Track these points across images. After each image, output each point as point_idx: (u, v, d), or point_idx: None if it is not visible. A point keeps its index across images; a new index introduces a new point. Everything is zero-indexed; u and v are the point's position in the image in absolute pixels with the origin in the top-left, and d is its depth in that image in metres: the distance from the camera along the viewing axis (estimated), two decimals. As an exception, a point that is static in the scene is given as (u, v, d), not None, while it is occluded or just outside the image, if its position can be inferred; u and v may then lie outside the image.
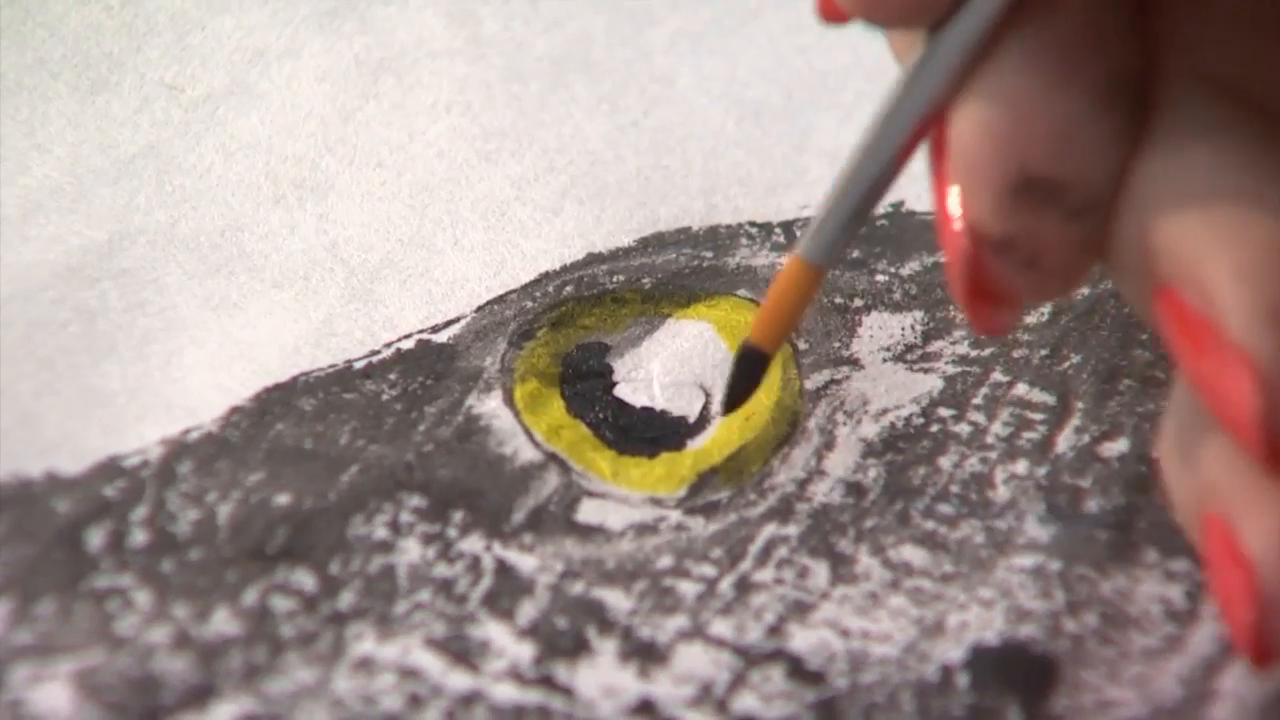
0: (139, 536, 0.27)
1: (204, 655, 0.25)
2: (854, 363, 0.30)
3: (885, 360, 0.30)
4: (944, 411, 0.29)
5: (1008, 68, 0.21)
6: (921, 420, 0.29)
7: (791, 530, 0.27)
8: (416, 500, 0.27)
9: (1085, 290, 0.31)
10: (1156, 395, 0.29)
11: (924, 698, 0.24)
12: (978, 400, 0.29)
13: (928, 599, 0.26)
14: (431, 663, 0.25)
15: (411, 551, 0.26)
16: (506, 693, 0.24)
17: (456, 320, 0.31)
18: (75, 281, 0.31)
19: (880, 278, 0.31)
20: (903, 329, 0.30)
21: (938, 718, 0.24)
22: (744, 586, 0.26)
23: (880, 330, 0.30)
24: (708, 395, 0.29)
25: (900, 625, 0.25)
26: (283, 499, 0.27)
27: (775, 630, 0.25)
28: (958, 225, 0.22)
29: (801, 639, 0.25)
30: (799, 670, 0.25)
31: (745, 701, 0.24)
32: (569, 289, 0.31)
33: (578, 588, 0.26)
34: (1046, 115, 0.21)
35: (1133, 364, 0.30)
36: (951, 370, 0.30)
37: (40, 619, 0.25)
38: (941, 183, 0.23)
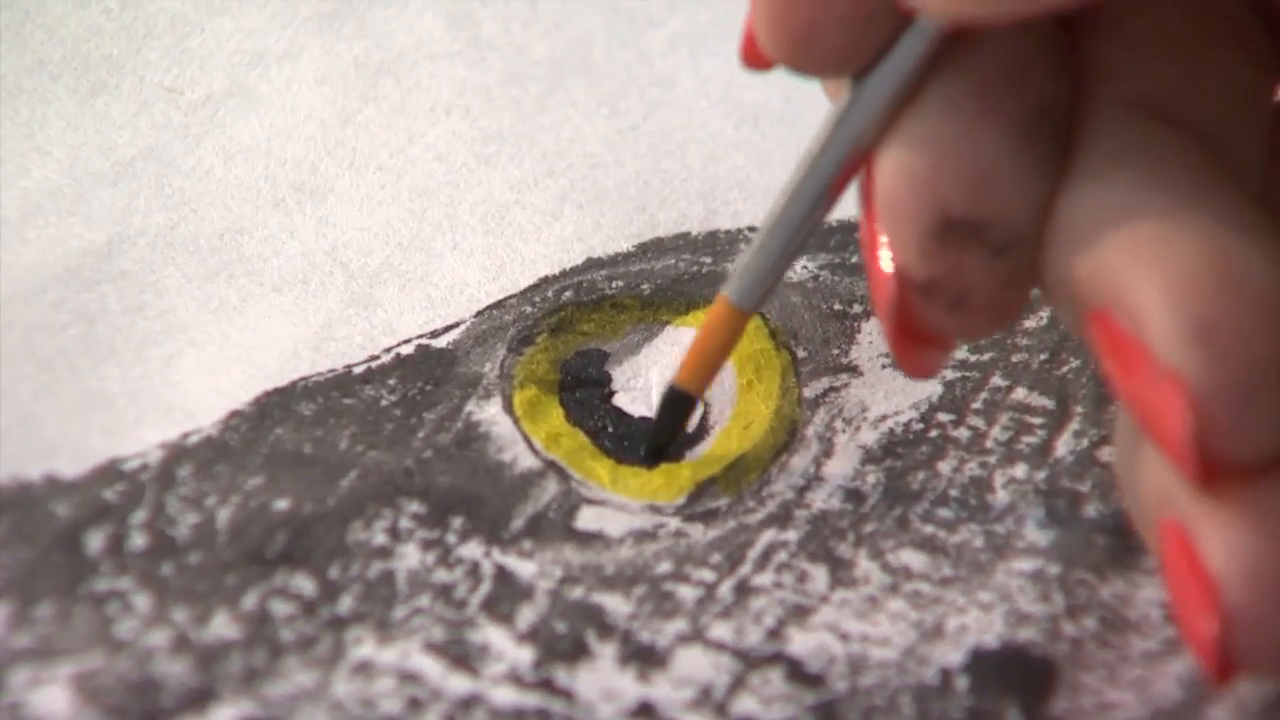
0: (138, 540, 0.27)
1: (203, 659, 0.25)
2: (853, 369, 0.30)
3: (884, 366, 0.30)
4: (943, 416, 0.29)
5: (929, 110, 0.21)
6: (921, 425, 0.29)
7: (790, 535, 0.27)
8: (416, 506, 0.27)
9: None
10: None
11: (923, 701, 0.24)
12: (977, 405, 0.29)
13: (927, 602, 0.26)
14: (431, 666, 0.25)
15: (411, 557, 0.26)
16: (506, 696, 0.24)
17: (456, 325, 0.31)
18: (74, 284, 0.31)
19: (879, 282, 0.32)
20: (902, 333, 0.30)
21: (937, 722, 0.24)
22: (743, 590, 0.26)
23: (879, 336, 0.30)
24: (707, 405, 0.29)
25: (900, 629, 0.25)
26: (282, 503, 0.27)
27: (774, 634, 0.25)
28: (885, 269, 0.22)
29: (801, 642, 0.25)
30: (798, 673, 0.25)
31: (745, 704, 0.24)
32: (568, 294, 0.31)
33: (577, 592, 0.26)
34: (964, 156, 0.21)
35: (1131, 369, 0.30)
36: (950, 375, 0.30)
37: (39, 622, 0.25)
38: (868, 227, 0.23)
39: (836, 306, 0.31)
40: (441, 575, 0.26)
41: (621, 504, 0.28)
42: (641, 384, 0.30)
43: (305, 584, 0.26)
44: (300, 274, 0.32)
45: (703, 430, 0.29)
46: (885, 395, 0.29)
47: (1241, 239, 0.20)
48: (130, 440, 0.28)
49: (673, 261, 0.32)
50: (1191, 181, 0.21)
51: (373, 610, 0.26)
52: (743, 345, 0.30)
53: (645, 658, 0.25)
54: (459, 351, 0.30)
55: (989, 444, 0.28)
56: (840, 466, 0.28)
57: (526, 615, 0.26)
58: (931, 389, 0.30)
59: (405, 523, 0.27)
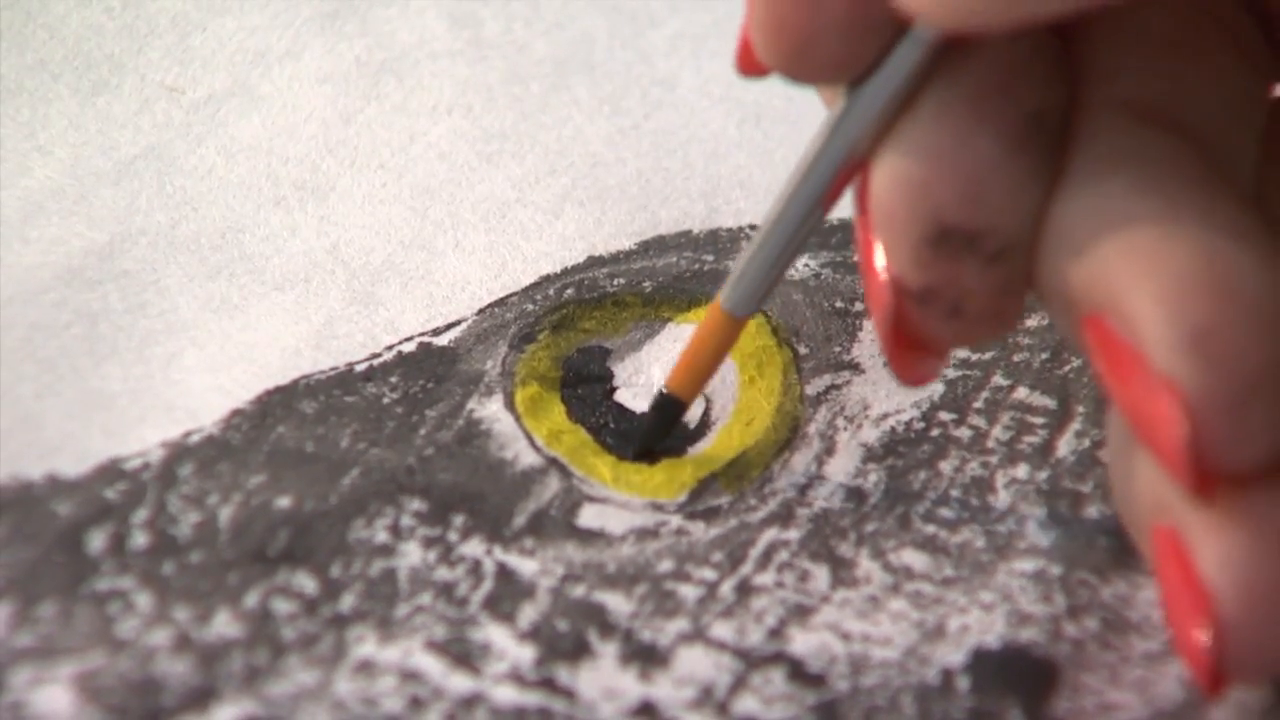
0: (140, 539, 0.27)
1: (205, 658, 0.25)
2: (855, 367, 0.30)
3: (886, 364, 0.30)
4: (945, 415, 0.29)
5: (923, 118, 0.21)
6: (922, 424, 0.29)
7: (792, 534, 0.27)
8: (417, 504, 0.27)
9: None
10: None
11: (925, 701, 0.24)
12: (979, 404, 0.29)
13: (928, 602, 0.26)
14: (432, 665, 0.25)
15: (412, 555, 0.26)
16: (507, 695, 0.25)
17: (458, 323, 0.31)
18: (76, 283, 0.31)
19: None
20: (903, 332, 0.30)
21: (938, 722, 0.24)
22: (745, 590, 0.26)
23: (881, 334, 0.30)
24: (709, 401, 0.29)
25: (901, 629, 0.25)
26: (284, 502, 0.27)
27: (776, 633, 0.25)
28: (880, 277, 0.22)
29: (802, 642, 0.25)
30: (800, 673, 0.25)
31: (746, 704, 0.24)
32: (570, 292, 0.31)
33: (579, 591, 0.26)
34: (957, 164, 0.21)
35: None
36: (952, 374, 0.30)
37: (41, 621, 0.25)
38: (864, 235, 0.23)
39: (838, 304, 0.31)
40: (443, 573, 0.26)
41: (623, 501, 0.28)
42: (643, 380, 0.30)
43: (307, 582, 0.26)
44: (302, 272, 0.32)
45: (704, 426, 0.29)
46: (887, 393, 0.29)
47: (1236, 245, 0.20)
48: (132, 439, 0.28)
49: (674, 259, 0.32)
50: (1186, 186, 0.21)
51: (374, 609, 0.26)
52: (744, 342, 0.30)
53: (647, 657, 0.25)
54: (461, 349, 0.30)
55: (990, 444, 0.28)
56: (842, 464, 0.28)
57: (528, 614, 0.26)
58: (933, 387, 0.29)
59: (407, 520, 0.27)
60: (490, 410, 0.29)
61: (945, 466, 0.28)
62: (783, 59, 0.22)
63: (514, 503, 0.27)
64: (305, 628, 0.25)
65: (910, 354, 0.23)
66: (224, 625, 0.25)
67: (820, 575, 0.26)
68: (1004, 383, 0.30)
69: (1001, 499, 0.27)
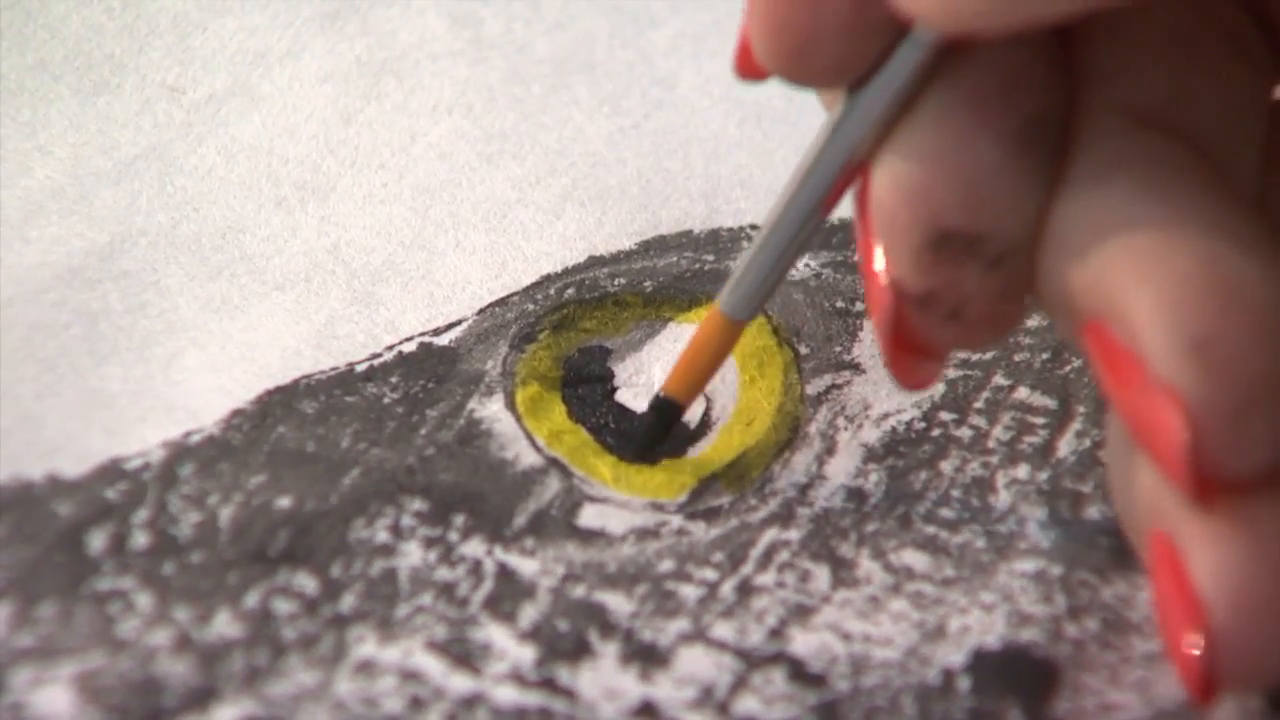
0: (140, 539, 0.27)
1: (205, 658, 0.25)
2: (855, 367, 0.30)
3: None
4: (945, 415, 0.29)
5: (923, 122, 0.21)
6: (923, 424, 0.29)
7: (793, 535, 0.27)
8: (418, 504, 0.27)
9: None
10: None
11: (925, 701, 0.24)
12: (979, 404, 0.29)
13: (929, 603, 0.26)
14: (433, 665, 0.25)
15: (413, 555, 0.26)
16: (508, 695, 0.24)
17: (458, 323, 0.31)
18: (76, 283, 0.31)
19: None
20: (904, 332, 0.30)
21: (939, 722, 0.24)
22: (745, 590, 0.26)
23: (882, 334, 0.30)
24: (709, 401, 0.29)
25: (902, 629, 0.25)
26: (284, 502, 0.27)
27: (777, 633, 0.25)
28: (880, 281, 0.22)
29: (803, 642, 0.25)
30: (800, 673, 0.25)
31: (746, 704, 0.24)
32: (570, 291, 0.31)
33: (579, 591, 0.26)
34: (957, 168, 0.21)
35: (1134, 368, 0.30)
36: (953, 374, 0.30)
37: (41, 622, 0.25)
38: (864, 239, 0.23)
39: (839, 304, 0.31)
40: (443, 573, 0.26)
41: (624, 501, 0.28)
42: (644, 380, 0.30)
43: (307, 582, 0.26)
44: (303, 272, 0.32)
45: (705, 426, 0.29)
46: (888, 393, 0.29)
47: (1238, 250, 0.20)
48: (132, 439, 0.28)
49: (675, 259, 0.32)
50: (1187, 191, 0.21)
51: (375, 609, 0.26)
52: (745, 341, 0.30)
53: (647, 657, 0.25)
54: (461, 349, 0.30)
55: (991, 444, 0.28)
56: (843, 464, 0.28)
57: (529, 614, 0.26)
58: (934, 387, 0.29)
59: (407, 520, 0.27)
60: (491, 410, 0.29)
61: (946, 467, 0.28)
62: (782, 62, 0.22)
63: (514, 503, 0.27)
64: (306, 628, 0.25)
65: (910, 357, 0.23)
66: (224, 625, 0.25)
67: (821, 575, 0.26)
68: (1005, 383, 0.30)
69: (1002, 499, 0.27)
